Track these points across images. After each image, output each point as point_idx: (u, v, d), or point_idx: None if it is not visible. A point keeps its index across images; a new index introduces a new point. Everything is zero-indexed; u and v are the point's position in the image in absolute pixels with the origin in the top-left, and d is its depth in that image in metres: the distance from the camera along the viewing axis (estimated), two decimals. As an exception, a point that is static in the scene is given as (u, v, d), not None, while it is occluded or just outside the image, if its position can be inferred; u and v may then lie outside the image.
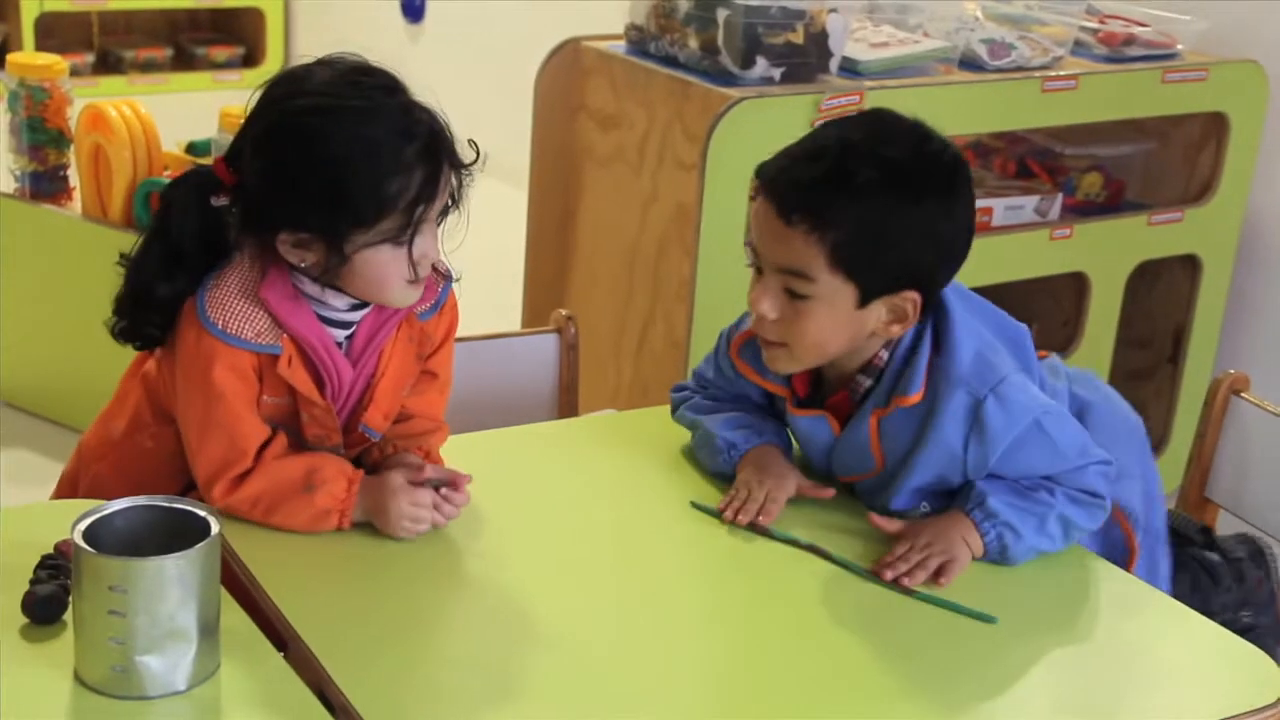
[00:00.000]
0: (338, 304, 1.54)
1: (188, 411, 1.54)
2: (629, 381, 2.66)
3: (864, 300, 1.51)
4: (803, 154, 1.52)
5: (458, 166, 1.52)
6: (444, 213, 1.54)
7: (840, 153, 1.50)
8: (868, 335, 1.54)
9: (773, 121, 2.42)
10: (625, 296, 2.63)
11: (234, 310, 1.50)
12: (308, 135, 1.46)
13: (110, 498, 1.37)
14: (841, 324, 1.52)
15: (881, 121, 1.57)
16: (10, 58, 3.14)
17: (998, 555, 1.55)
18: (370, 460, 1.62)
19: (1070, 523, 1.57)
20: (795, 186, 1.50)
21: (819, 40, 2.53)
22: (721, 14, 2.47)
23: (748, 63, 2.47)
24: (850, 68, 2.59)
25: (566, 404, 2.08)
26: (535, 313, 2.81)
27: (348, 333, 1.57)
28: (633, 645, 1.39)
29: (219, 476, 1.51)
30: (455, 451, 1.72)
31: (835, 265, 1.49)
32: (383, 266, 1.50)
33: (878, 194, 1.48)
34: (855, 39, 2.65)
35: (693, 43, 2.53)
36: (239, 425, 1.52)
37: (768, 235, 1.52)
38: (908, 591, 1.49)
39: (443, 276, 1.61)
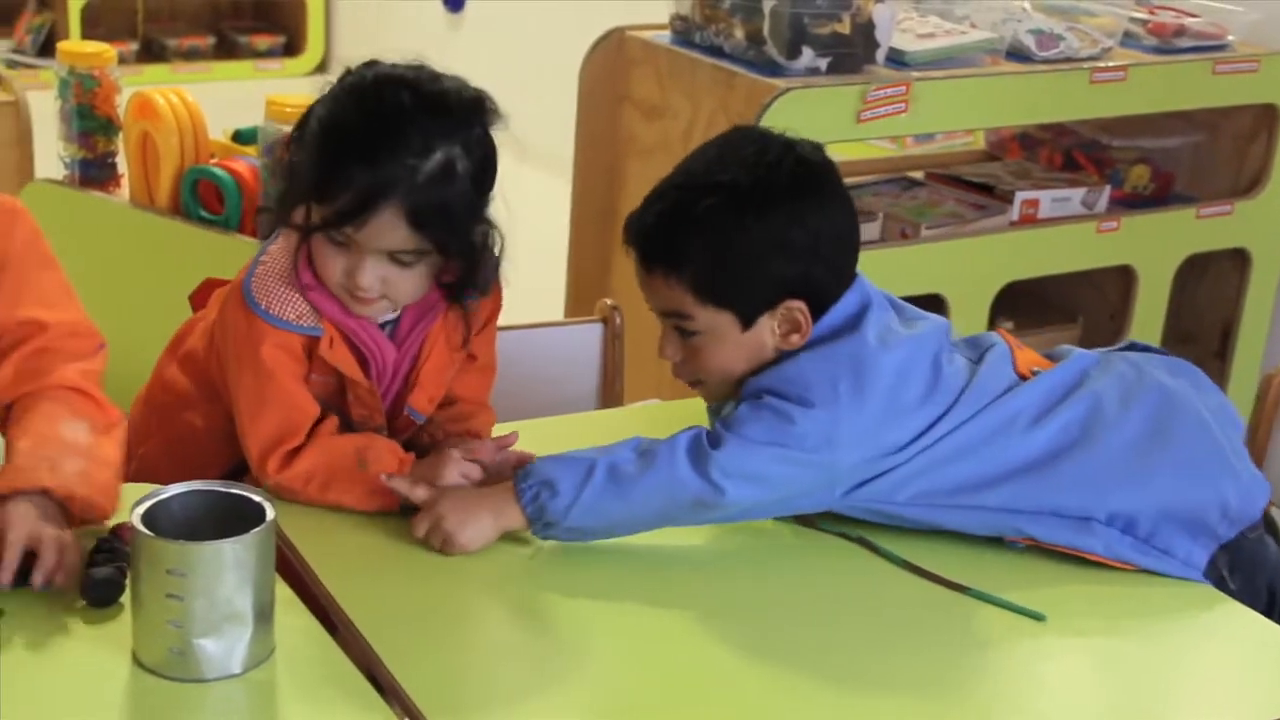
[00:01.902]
0: None
1: (239, 391, 1.55)
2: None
3: (746, 323, 1.52)
4: (647, 201, 1.54)
5: (420, 224, 1.46)
6: (418, 259, 1.49)
7: (676, 189, 1.52)
8: (772, 350, 1.53)
9: (819, 112, 2.41)
10: (669, 286, 2.63)
11: (276, 294, 1.53)
12: (305, 117, 1.52)
13: (160, 477, 1.41)
14: (736, 349, 1.53)
15: (724, 143, 1.56)
16: (60, 46, 3.16)
17: (537, 518, 1.45)
18: (419, 447, 1.63)
19: (629, 477, 1.44)
20: (643, 234, 1.53)
21: (865, 31, 2.53)
22: (768, 4, 2.46)
23: (794, 53, 2.46)
24: (897, 58, 2.58)
25: (611, 394, 2.09)
26: (578, 302, 2.81)
27: (391, 316, 1.58)
28: (676, 634, 1.39)
29: (272, 452, 1.53)
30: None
31: (703, 299, 1.51)
32: (322, 260, 1.51)
33: (718, 220, 1.48)
34: (901, 30, 2.63)
35: (738, 33, 2.52)
36: (291, 401, 1.54)
37: (641, 285, 1.56)
38: (959, 587, 1.49)
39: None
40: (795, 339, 1.52)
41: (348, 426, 1.59)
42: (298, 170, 1.52)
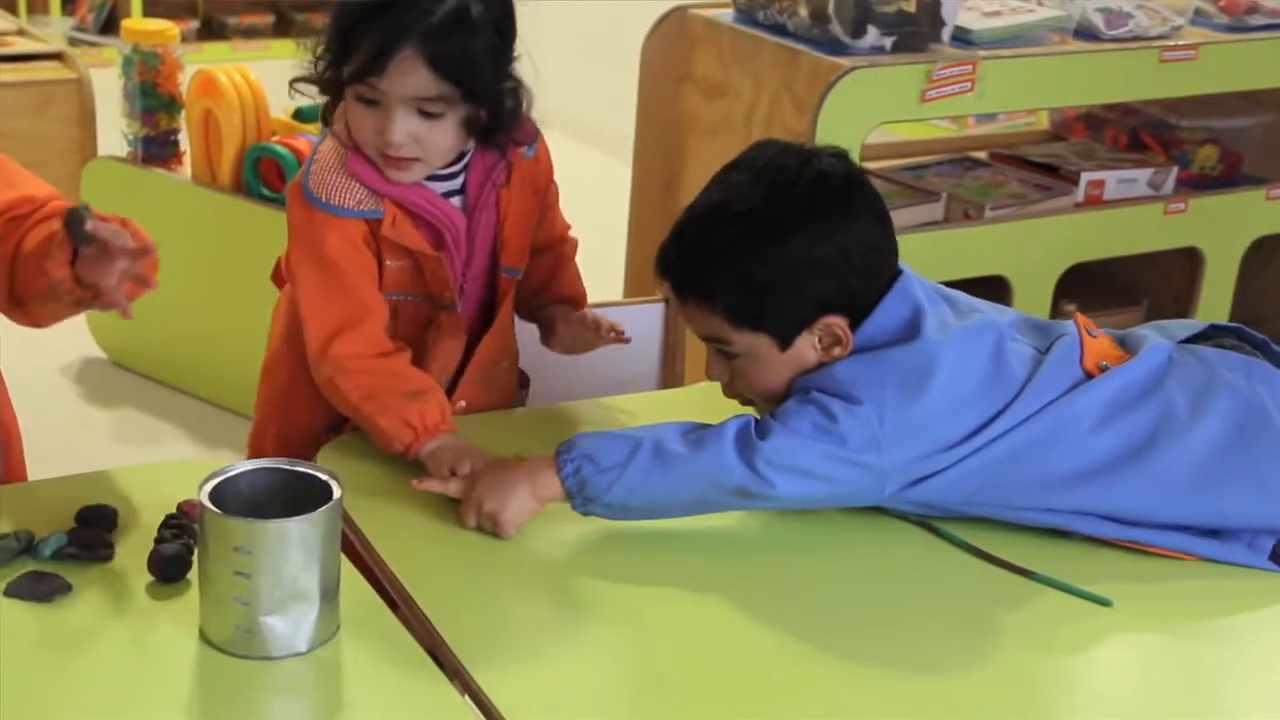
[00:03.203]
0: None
1: (304, 285, 1.60)
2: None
3: (784, 343, 1.50)
4: (673, 233, 1.53)
5: (438, 66, 1.51)
6: (437, 109, 1.54)
7: (697, 220, 1.51)
8: (816, 363, 1.52)
9: (884, 91, 2.39)
10: (729, 267, 2.61)
11: (333, 184, 1.57)
12: None
13: (271, 418, 1.54)
14: (778, 368, 1.52)
15: (740, 163, 1.54)
16: (124, 24, 3.19)
17: (578, 491, 1.44)
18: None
19: (675, 457, 1.43)
20: (670, 270, 1.53)
21: (931, 9, 2.49)
22: (832, -18, 2.44)
23: (858, 32, 2.44)
24: (963, 37, 2.55)
25: (671, 374, 2.08)
26: (637, 283, 2.80)
27: (453, 185, 1.63)
28: (734, 617, 1.38)
29: (336, 336, 1.57)
30: (560, 420, 1.73)
31: (739, 325, 1.50)
32: (356, 125, 1.56)
33: (739, 249, 1.47)
34: (967, 7, 2.60)
35: (802, 11, 2.50)
36: (356, 293, 1.58)
37: (680, 313, 1.56)
38: (1023, 571, 1.47)
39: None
40: (838, 351, 1.50)
41: (431, 311, 1.65)
42: (327, 37, 1.57)
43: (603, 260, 3.06)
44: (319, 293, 1.59)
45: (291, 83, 1.59)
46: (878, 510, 1.55)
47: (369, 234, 1.60)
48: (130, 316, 1.42)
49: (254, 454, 1.79)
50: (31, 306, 1.50)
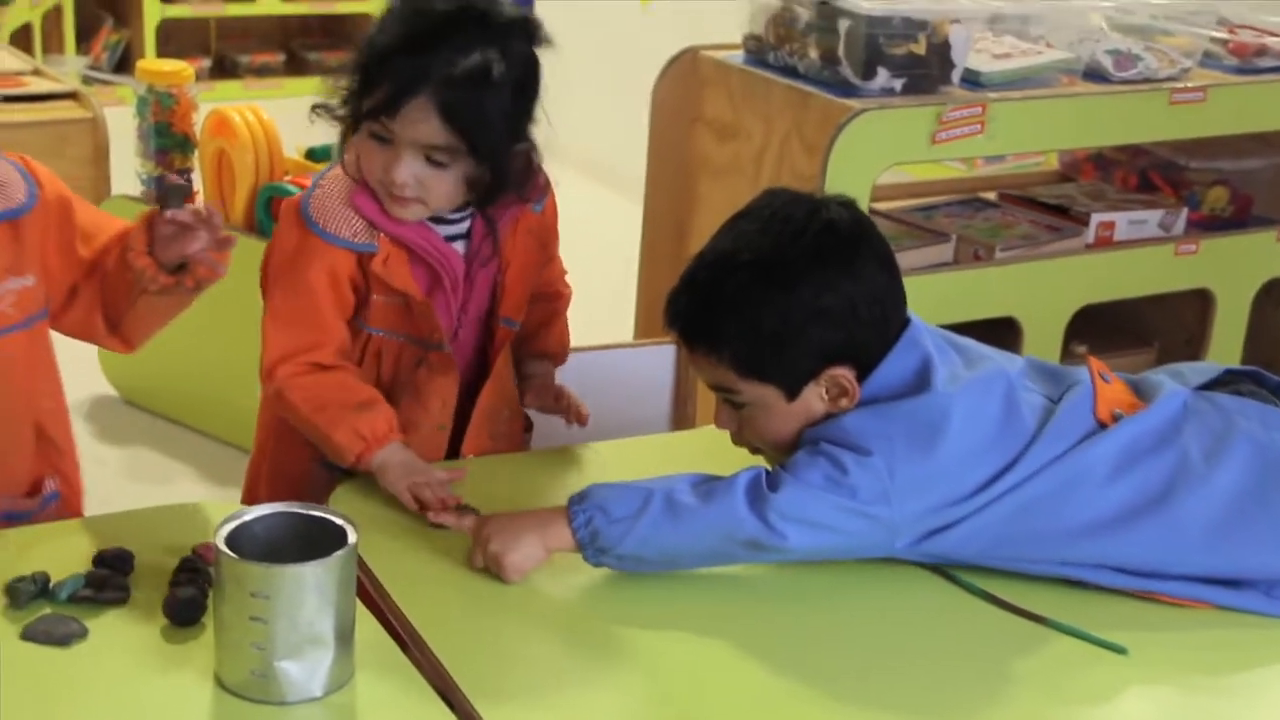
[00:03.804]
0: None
1: (273, 302, 1.62)
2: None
3: (791, 394, 1.50)
4: (682, 283, 1.54)
5: (450, 117, 1.52)
6: (444, 158, 1.55)
7: (706, 270, 1.51)
8: (823, 414, 1.52)
9: (894, 133, 2.40)
10: (740, 307, 2.62)
11: (333, 212, 1.60)
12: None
13: (268, 448, 1.61)
14: (786, 418, 1.52)
15: (749, 213, 1.54)
16: (139, 64, 3.22)
17: (590, 543, 1.44)
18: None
19: (687, 509, 1.43)
20: (678, 318, 1.53)
21: (941, 51, 2.51)
22: (843, 24, 2.45)
23: (869, 73, 2.45)
24: (972, 79, 2.56)
25: (683, 416, 2.08)
26: (648, 324, 2.81)
27: (459, 229, 1.65)
28: (749, 662, 1.38)
29: (294, 357, 1.59)
30: (569, 463, 1.74)
31: (746, 374, 1.50)
32: (365, 158, 1.58)
33: (746, 299, 1.47)
34: (977, 50, 2.61)
35: (813, 53, 2.51)
36: (323, 322, 1.60)
37: (689, 361, 1.56)
38: (1037, 618, 1.46)
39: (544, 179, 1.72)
40: (845, 402, 1.50)
41: (420, 351, 1.65)
42: (351, 70, 1.59)
43: (613, 301, 3.07)
44: (284, 316, 1.61)
45: (313, 108, 1.61)
46: (891, 558, 1.54)
47: (357, 268, 1.61)
48: (222, 274, 1.48)
49: (251, 481, 1.80)
50: (125, 323, 1.56)
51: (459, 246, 1.67)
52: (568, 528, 1.45)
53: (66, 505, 1.60)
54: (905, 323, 1.53)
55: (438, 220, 1.65)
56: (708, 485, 1.47)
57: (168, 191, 1.48)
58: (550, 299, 1.84)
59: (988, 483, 1.47)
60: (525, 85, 1.59)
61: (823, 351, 1.49)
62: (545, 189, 1.73)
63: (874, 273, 1.51)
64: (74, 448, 1.63)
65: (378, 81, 1.54)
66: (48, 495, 1.57)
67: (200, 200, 1.48)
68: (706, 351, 1.51)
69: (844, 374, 1.49)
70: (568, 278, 1.88)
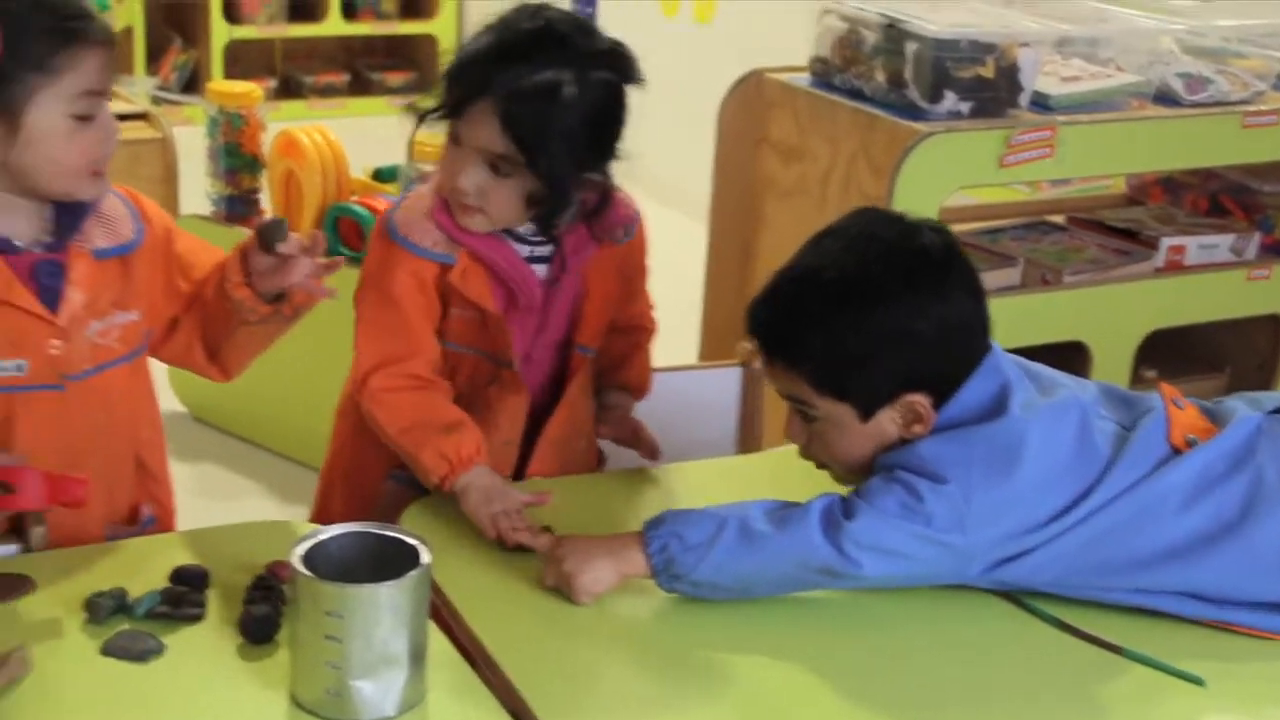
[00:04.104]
0: (520, 227, 1.65)
1: (362, 314, 1.65)
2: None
3: (865, 415, 1.49)
4: (767, 293, 1.53)
5: (510, 126, 1.55)
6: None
7: (793, 283, 1.50)
8: (896, 438, 1.50)
9: (962, 157, 2.39)
10: (804, 329, 2.61)
11: (415, 224, 1.63)
12: None
13: (340, 459, 1.66)
14: (857, 438, 1.51)
15: (841, 231, 1.53)
16: (210, 86, 3.26)
17: (664, 569, 1.44)
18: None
19: (761, 536, 1.43)
20: (759, 328, 1.53)
21: (1009, 74, 2.50)
22: (910, 47, 2.44)
23: (936, 97, 2.44)
24: (1041, 102, 2.54)
25: (750, 438, 2.08)
26: (713, 345, 2.81)
27: (542, 251, 1.66)
28: (821, 689, 1.37)
29: (384, 367, 1.61)
30: (637, 486, 1.74)
31: (822, 391, 1.49)
32: (443, 161, 1.63)
33: (831, 318, 1.47)
34: (1046, 73, 2.60)
35: (879, 76, 2.51)
36: (410, 329, 1.62)
37: (765, 369, 1.55)
38: (1113, 648, 1.45)
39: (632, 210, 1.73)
40: (918, 429, 1.49)
41: (492, 368, 1.67)
42: (442, 79, 1.62)
43: (678, 323, 3.07)
44: (374, 326, 1.64)
45: (407, 107, 1.64)
46: (964, 585, 1.53)
47: (439, 278, 1.63)
48: (320, 298, 1.53)
49: (323, 494, 1.81)
50: (224, 352, 1.60)
51: (540, 270, 1.68)
52: (642, 553, 1.45)
53: (161, 529, 1.62)
54: (986, 349, 1.52)
55: (520, 240, 1.66)
56: (782, 512, 1.46)
57: (269, 229, 1.49)
58: (634, 332, 1.83)
59: (1063, 511, 1.45)
60: (601, 115, 1.60)
61: (903, 377, 1.48)
62: (633, 219, 1.74)
63: (962, 300, 1.50)
64: (169, 475, 1.66)
65: (453, 85, 1.58)
66: (145, 521, 1.59)
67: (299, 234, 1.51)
68: (785, 364, 1.51)
69: (920, 401, 1.48)
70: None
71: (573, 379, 1.73)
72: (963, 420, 1.48)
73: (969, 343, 1.50)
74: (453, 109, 1.58)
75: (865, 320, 1.46)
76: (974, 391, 1.49)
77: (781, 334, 1.51)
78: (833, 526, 1.44)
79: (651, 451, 1.78)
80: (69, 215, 1.48)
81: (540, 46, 1.56)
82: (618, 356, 1.82)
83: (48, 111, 1.40)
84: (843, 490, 1.51)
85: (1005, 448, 1.45)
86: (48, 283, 1.45)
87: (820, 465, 1.58)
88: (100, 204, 1.50)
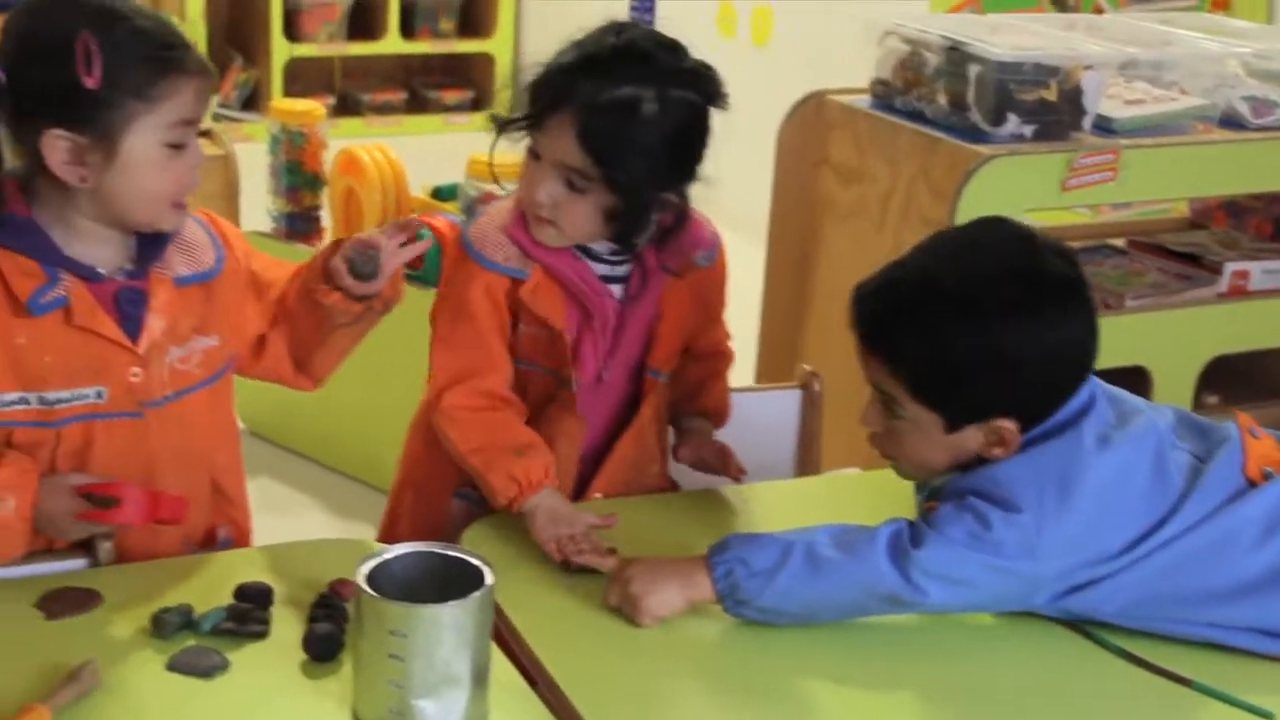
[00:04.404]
0: (597, 245, 1.65)
1: (438, 329, 1.65)
2: (864, 436, 2.62)
3: (951, 427, 1.47)
4: (880, 285, 1.49)
5: (587, 139, 1.54)
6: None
7: (910, 286, 1.47)
8: (973, 455, 1.48)
9: (1024, 180, 2.37)
10: (863, 352, 2.60)
11: (490, 238, 1.63)
12: None
13: (412, 475, 1.66)
14: (936, 447, 1.49)
15: (969, 242, 1.50)
16: (273, 104, 3.30)
17: (729, 594, 1.44)
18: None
19: (827, 562, 1.42)
20: (865, 320, 1.49)
21: (1072, 97, 2.48)
22: (973, 70, 2.44)
23: (998, 119, 2.43)
24: (1104, 125, 2.53)
25: (808, 461, 2.06)
26: (771, 366, 2.80)
27: (618, 271, 1.66)
28: (877, 701, 1.37)
29: (460, 382, 1.62)
30: (695, 507, 1.73)
31: (915, 396, 1.47)
32: (523, 174, 1.64)
33: (943, 329, 1.43)
34: (1109, 96, 2.58)
35: (941, 98, 2.50)
36: (484, 344, 1.63)
37: (860, 355, 1.52)
38: (1182, 680, 1.43)
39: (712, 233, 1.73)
40: (998, 452, 1.47)
41: (557, 386, 1.66)
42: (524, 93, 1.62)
43: (736, 343, 3.07)
44: (448, 341, 1.64)
45: (491, 117, 1.64)
46: (1029, 612, 1.52)
47: (510, 295, 1.63)
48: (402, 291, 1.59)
49: (392, 506, 1.81)
50: (314, 361, 1.62)
51: (616, 290, 1.68)
52: (708, 578, 1.45)
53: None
54: (1086, 381, 1.49)
55: (596, 259, 1.66)
56: (848, 537, 1.45)
57: (363, 263, 1.51)
58: (712, 358, 1.82)
59: (1134, 542, 1.44)
60: (682, 135, 1.58)
61: (1001, 400, 1.45)
62: (712, 243, 1.72)
63: (1076, 332, 1.46)
64: (246, 498, 1.66)
65: (534, 98, 1.58)
66: (221, 543, 1.60)
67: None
68: (884, 360, 1.48)
69: (1009, 427, 1.46)
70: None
71: (644, 403, 1.72)
72: (1037, 436, 1.46)
73: (1074, 375, 1.47)
74: (533, 121, 1.58)
75: (978, 338, 1.43)
76: (1059, 414, 1.47)
77: (888, 332, 1.48)
78: (900, 554, 1.43)
79: (737, 471, 1.75)
80: (151, 243, 1.49)
81: (623, 62, 1.56)
82: (695, 383, 1.81)
83: (144, 139, 1.41)
84: (906, 509, 1.50)
85: (1081, 480, 1.43)
86: (129, 310, 1.47)
87: (885, 455, 1.56)
88: (181, 231, 1.52)
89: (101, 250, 1.46)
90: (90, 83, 1.37)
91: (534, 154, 1.60)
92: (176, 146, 1.43)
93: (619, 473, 1.73)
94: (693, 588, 1.45)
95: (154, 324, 1.47)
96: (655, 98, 1.54)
